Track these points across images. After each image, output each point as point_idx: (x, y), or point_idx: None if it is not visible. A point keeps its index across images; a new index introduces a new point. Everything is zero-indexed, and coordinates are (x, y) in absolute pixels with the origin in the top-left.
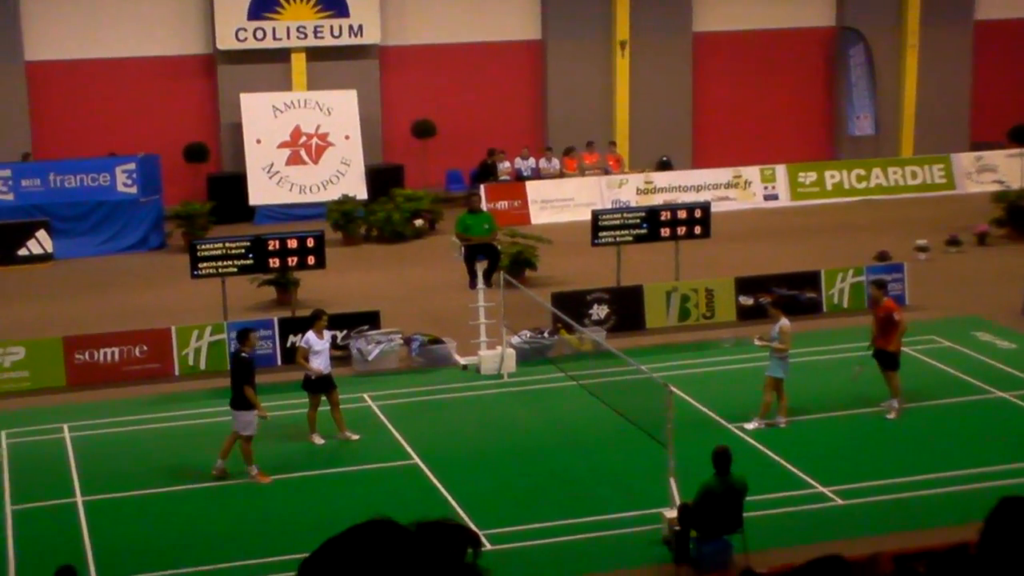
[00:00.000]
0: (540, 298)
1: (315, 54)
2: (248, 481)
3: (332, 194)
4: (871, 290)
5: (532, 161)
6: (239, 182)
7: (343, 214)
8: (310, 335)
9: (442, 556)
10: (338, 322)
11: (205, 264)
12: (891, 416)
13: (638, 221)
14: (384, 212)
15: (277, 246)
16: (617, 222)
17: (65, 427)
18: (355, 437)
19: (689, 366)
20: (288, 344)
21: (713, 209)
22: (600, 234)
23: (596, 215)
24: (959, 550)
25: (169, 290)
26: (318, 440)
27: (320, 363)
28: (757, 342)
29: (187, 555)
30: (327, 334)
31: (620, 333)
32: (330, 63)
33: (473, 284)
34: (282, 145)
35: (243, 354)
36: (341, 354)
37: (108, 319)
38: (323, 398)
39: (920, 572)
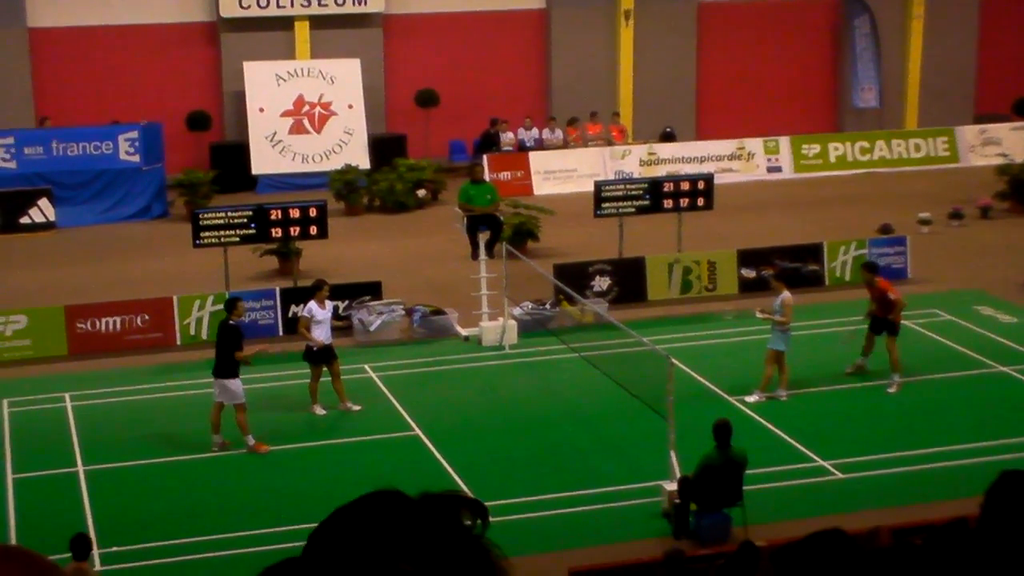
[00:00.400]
0: (542, 269)
1: (318, 22)
2: (247, 451)
3: (335, 163)
4: (863, 274)
5: (535, 131)
6: (242, 151)
7: (346, 184)
8: (312, 305)
9: (450, 527)
10: (340, 292)
11: (207, 233)
12: (892, 390)
13: (641, 192)
14: (387, 182)
15: (279, 216)
16: (620, 193)
17: (66, 396)
18: (356, 408)
19: (691, 338)
20: (290, 314)
21: (716, 181)
22: (603, 205)
23: (599, 186)
24: (958, 524)
25: (171, 259)
26: (319, 411)
27: (321, 334)
28: (759, 314)
29: (187, 524)
30: (329, 304)
31: (622, 305)
32: (333, 31)
33: (475, 255)
34: (285, 114)
35: (231, 322)
36: (342, 324)
37: (110, 288)
38: (324, 369)
39: (918, 546)
